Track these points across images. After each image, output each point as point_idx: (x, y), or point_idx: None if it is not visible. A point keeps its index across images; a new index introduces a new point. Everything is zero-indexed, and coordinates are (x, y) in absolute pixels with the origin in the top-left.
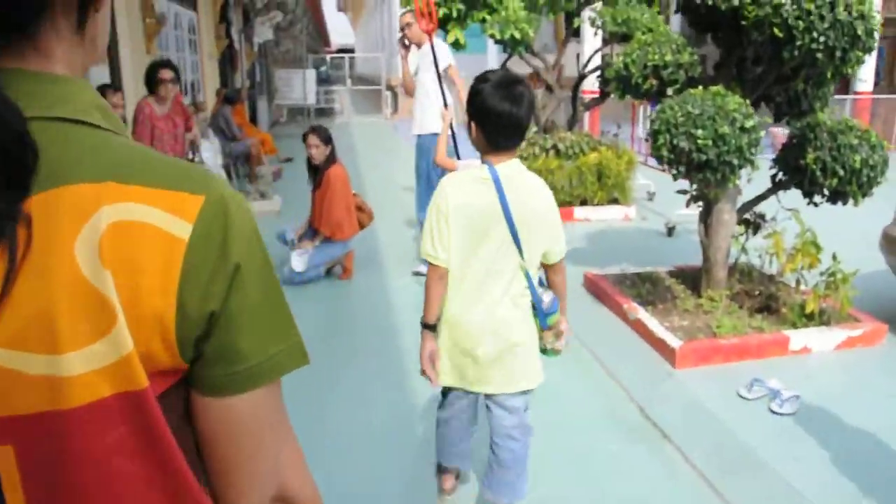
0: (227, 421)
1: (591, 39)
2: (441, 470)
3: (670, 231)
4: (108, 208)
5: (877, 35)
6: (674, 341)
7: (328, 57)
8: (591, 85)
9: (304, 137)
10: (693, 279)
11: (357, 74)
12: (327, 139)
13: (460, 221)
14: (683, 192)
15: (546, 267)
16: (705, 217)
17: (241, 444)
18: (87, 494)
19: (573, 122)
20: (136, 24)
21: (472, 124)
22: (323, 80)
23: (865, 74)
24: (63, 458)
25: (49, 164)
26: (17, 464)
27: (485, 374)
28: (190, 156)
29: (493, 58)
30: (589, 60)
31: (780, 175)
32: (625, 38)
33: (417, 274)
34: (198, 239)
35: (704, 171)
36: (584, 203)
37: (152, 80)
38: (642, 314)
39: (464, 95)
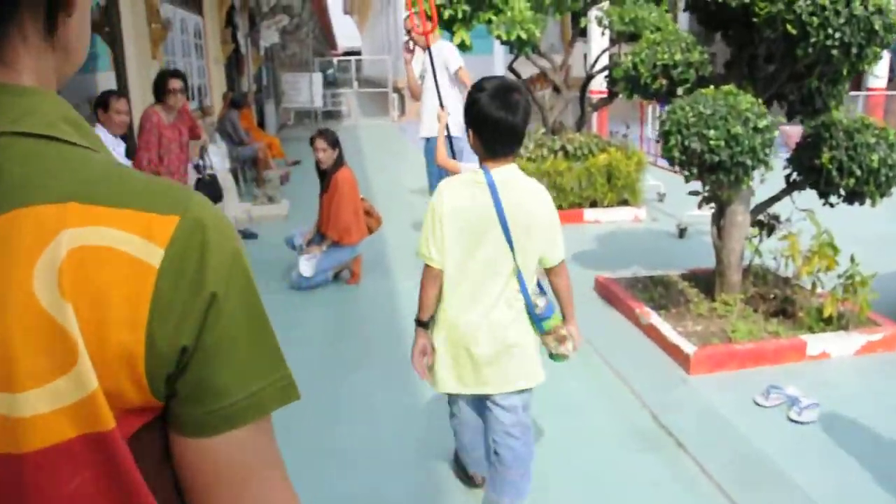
0: (206, 464)
1: (599, 39)
2: (469, 476)
3: (682, 233)
4: (70, 232)
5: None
6: (688, 347)
7: (335, 60)
8: (599, 85)
9: (312, 141)
10: (706, 282)
11: (364, 77)
12: (334, 143)
13: (456, 225)
14: (695, 193)
15: (546, 271)
16: (718, 219)
17: (222, 490)
18: None
19: (581, 122)
20: (142, 29)
21: (470, 131)
22: (330, 83)
23: (879, 70)
24: None
25: (9, 183)
26: None
27: (482, 375)
28: (199, 161)
29: (499, 59)
30: (596, 60)
31: (795, 175)
32: (632, 37)
33: None
34: (170, 265)
35: (717, 172)
36: (593, 205)
37: (161, 89)
38: (655, 319)
39: None
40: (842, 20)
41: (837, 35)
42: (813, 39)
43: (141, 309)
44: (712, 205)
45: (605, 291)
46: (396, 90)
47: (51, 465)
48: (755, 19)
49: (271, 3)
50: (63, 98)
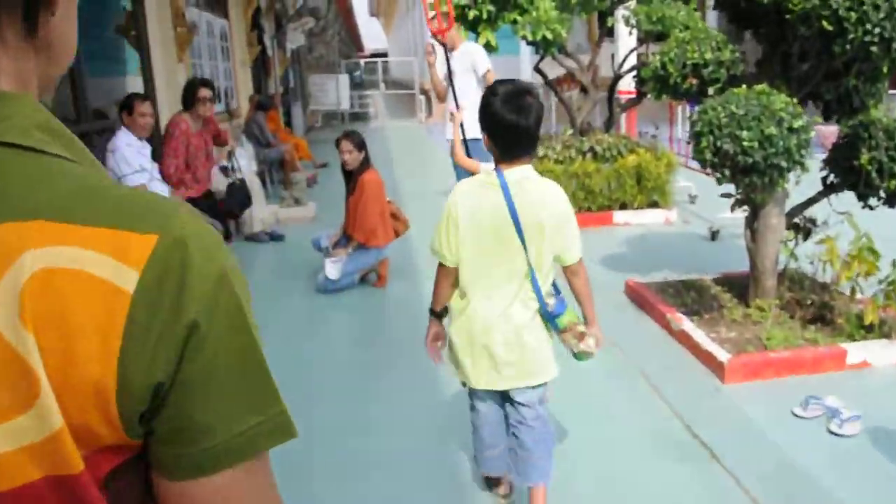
0: None
1: (626, 39)
2: (490, 482)
3: (714, 235)
4: (34, 253)
5: None
6: (722, 354)
7: (362, 62)
8: (628, 85)
9: (338, 143)
10: (740, 287)
11: (391, 79)
12: (361, 145)
13: (470, 225)
14: (728, 195)
15: (563, 270)
16: (752, 222)
17: None
18: None
19: (610, 123)
20: (168, 33)
21: (485, 134)
22: (357, 85)
23: None
24: None
25: None
26: None
27: (500, 373)
28: (226, 163)
29: (526, 60)
30: (624, 60)
31: (832, 177)
32: (660, 36)
33: None
34: (145, 290)
35: (751, 174)
36: (623, 207)
37: (190, 98)
38: (687, 325)
39: None
40: (881, 14)
41: (877, 30)
42: (850, 35)
43: (112, 340)
44: (745, 207)
45: (636, 296)
46: (423, 92)
47: None
48: (788, 16)
49: (297, 5)
50: (41, 104)
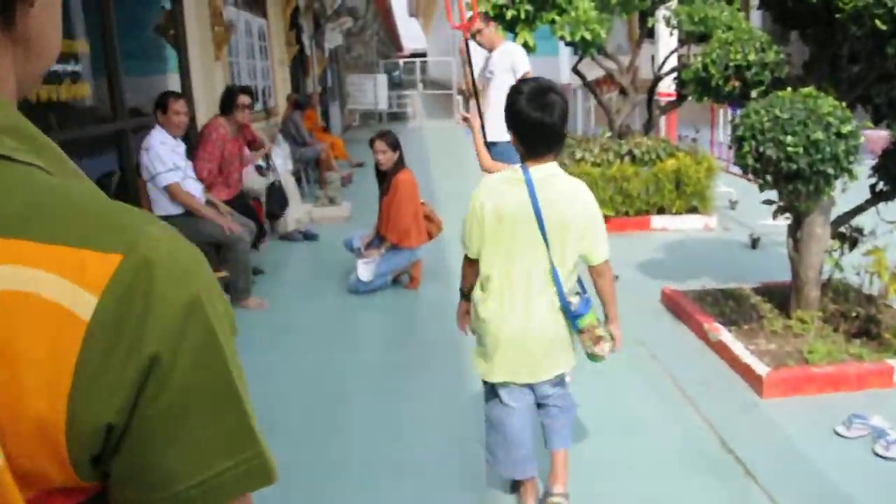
0: None
1: (667, 39)
2: (516, 487)
3: (755, 243)
4: None
5: None
6: (760, 368)
7: (401, 61)
8: (668, 87)
9: (372, 143)
10: (781, 297)
11: (429, 79)
12: (395, 145)
13: (492, 220)
14: (770, 202)
15: (589, 270)
16: (795, 230)
17: None
18: None
19: (649, 126)
20: (206, 32)
21: (510, 132)
22: (396, 85)
23: None
24: None
25: None
26: None
27: (527, 367)
28: (262, 163)
29: (565, 61)
30: (664, 62)
31: (881, 185)
32: (702, 37)
33: None
34: (103, 318)
35: (795, 181)
36: (661, 212)
37: (229, 104)
38: (725, 335)
39: None
40: None
41: None
42: None
43: (63, 373)
44: (788, 215)
45: (673, 304)
46: (461, 92)
47: None
48: (838, 15)
49: (335, 5)
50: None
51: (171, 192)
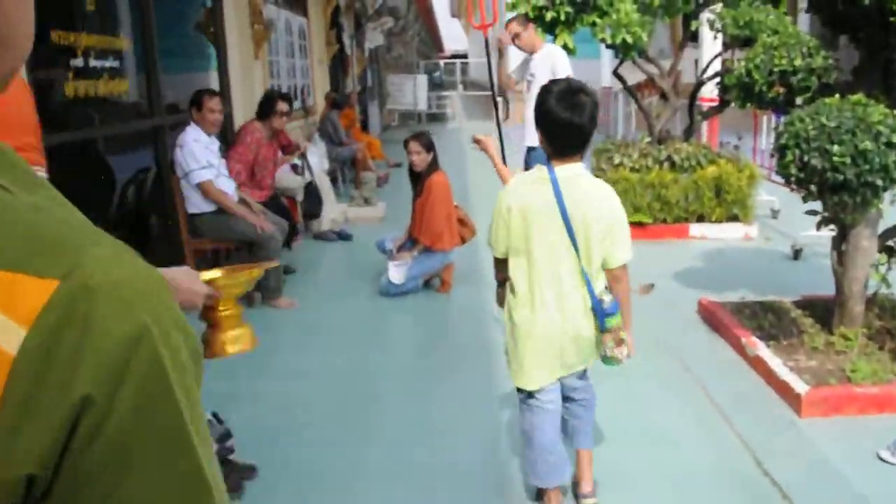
0: None
1: (710, 44)
2: (539, 495)
3: (797, 254)
4: None
5: None
6: (799, 385)
7: (442, 62)
8: (710, 92)
9: (406, 144)
10: (823, 312)
11: (470, 80)
12: (429, 146)
13: (519, 219)
14: (813, 213)
15: (606, 272)
16: (839, 242)
17: None
18: None
19: (690, 132)
20: (245, 30)
21: (539, 131)
22: (437, 86)
23: None
24: None
25: None
26: None
27: (563, 363)
28: (297, 161)
29: (606, 64)
30: (707, 66)
31: None
32: (747, 41)
33: None
34: (31, 353)
35: (841, 192)
36: (700, 219)
37: (268, 110)
38: (763, 351)
39: None
40: None
41: None
42: None
43: None
44: (833, 226)
45: (709, 316)
46: (501, 94)
47: None
48: (893, 18)
49: (377, 4)
50: None
51: (204, 190)
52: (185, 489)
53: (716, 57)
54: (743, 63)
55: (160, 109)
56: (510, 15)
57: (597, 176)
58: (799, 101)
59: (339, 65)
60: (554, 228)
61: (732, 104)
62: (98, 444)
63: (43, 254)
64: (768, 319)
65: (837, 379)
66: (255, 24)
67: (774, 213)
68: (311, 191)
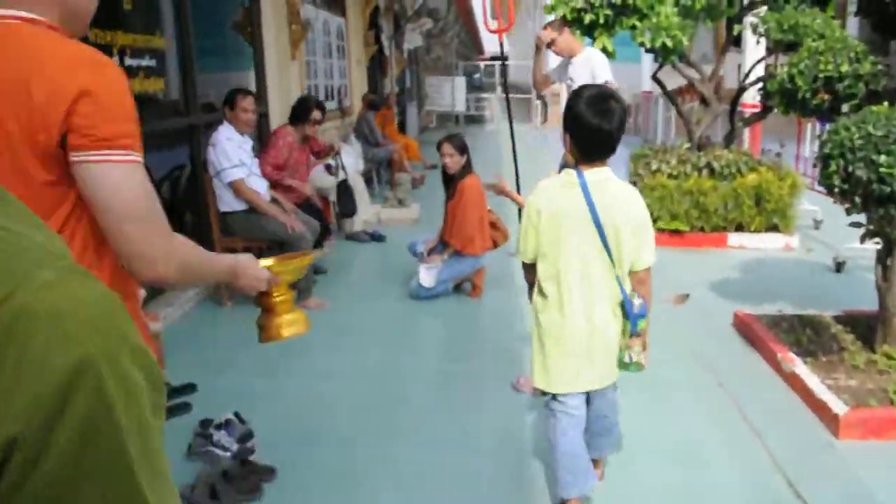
0: None
1: (754, 48)
2: None
3: (839, 267)
4: None
5: None
6: (837, 405)
7: (482, 65)
8: (752, 98)
9: (439, 146)
10: (865, 329)
11: (510, 82)
12: (462, 148)
13: (549, 223)
14: (857, 225)
15: (631, 275)
16: (885, 257)
17: None
18: None
19: (730, 138)
20: (282, 30)
21: (567, 136)
22: (476, 88)
23: None
24: None
25: None
26: None
27: (590, 374)
28: (331, 161)
29: (647, 68)
30: (750, 71)
31: None
32: (791, 46)
33: None
34: None
35: (887, 205)
36: (739, 228)
37: (302, 115)
38: (800, 367)
39: None
40: None
41: None
42: None
43: None
44: (878, 240)
45: (745, 329)
46: (540, 97)
47: None
48: None
49: (416, 6)
50: None
51: (236, 189)
52: None
53: (759, 62)
54: (786, 68)
55: (195, 108)
56: (549, 18)
57: (633, 182)
58: (845, 108)
59: (377, 66)
60: (585, 232)
61: (775, 110)
62: (31, 485)
63: None
64: (807, 334)
65: (878, 400)
66: (292, 24)
67: (817, 224)
68: (345, 190)
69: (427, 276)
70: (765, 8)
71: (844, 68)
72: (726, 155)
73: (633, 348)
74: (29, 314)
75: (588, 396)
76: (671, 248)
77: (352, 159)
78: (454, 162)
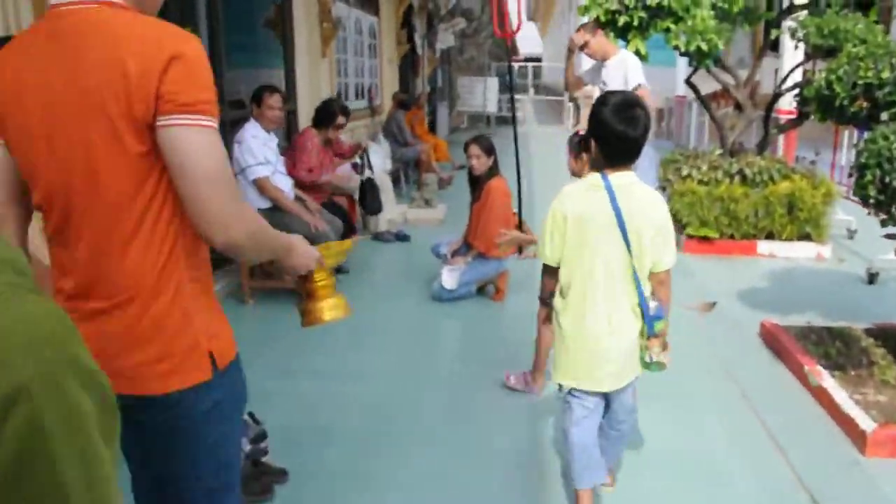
0: None
1: (791, 53)
2: (578, 499)
3: (872, 278)
4: None
5: None
6: (865, 422)
7: (516, 65)
8: (788, 104)
9: (466, 147)
10: None
11: (543, 84)
12: (489, 150)
13: (574, 226)
14: (893, 236)
15: (651, 276)
16: None
17: None
18: None
19: (764, 145)
20: (314, 28)
21: (592, 141)
22: (508, 89)
23: None
24: None
25: None
26: None
27: (611, 373)
28: (357, 160)
29: (682, 72)
30: (787, 76)
31: None
32: (831, 51)
33: None
34: None
35: None
36: (769, 237)
37: (327, 120)
38: (827, 381)
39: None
40: None
41: None
42: None
43: None
44: None
45: (771, 339)
46: (572, 99)
47: None
48: None
49: (450, 5)
50: None
51: (260, 186)
52: None
53: (796, 67)
54: (824, 74)
55: (223, 104)
56: (583, 19)
57: (662, 187)
58: (884, 116)
59: (409, 65)
60: (610, 235)
61: (811, 118)
62: None
63: None
64: (836, 347)
65: None
66: (323, 22)
67: (851, 234)
68: (371, 188)
69: (450, 277)
70: (805, 12)
71: (885, 75)
72: (759, 162)
73: (653, 348)
74: None
75: (607, 400)
76: (699, 255)
77: (379, 158)
78: (481, 163)
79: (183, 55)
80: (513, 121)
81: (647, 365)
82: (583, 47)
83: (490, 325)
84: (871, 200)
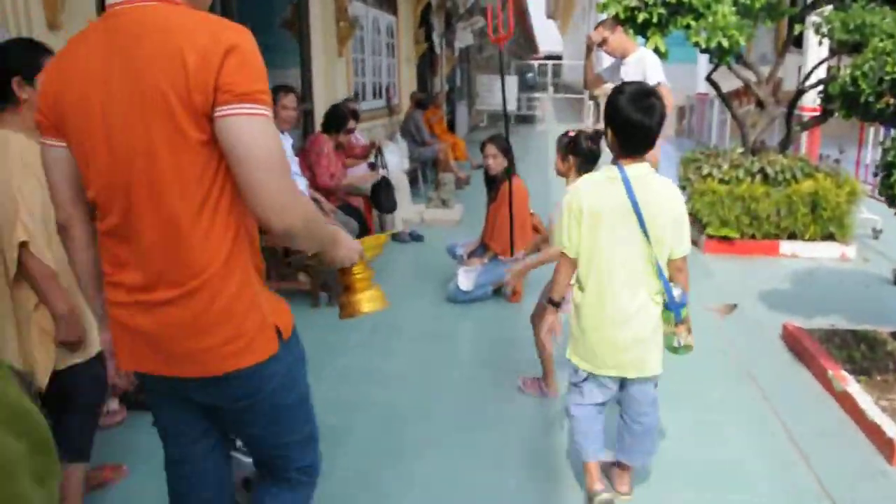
0: None
1: (815, 49)
2: (585, 471)
3: None
4: None
5: None
6: (892, 429)
7: (536, 63)
8: (812, 101)
9: (482, 147)
10: None
11: (562, 82)
12: (506, 149)
13: (591, 218)
14: None
15: (669, 263)
16: None
17: None
18: None
19: (787, 143)
20: (330, 27)
21: (608, 130)
22: (528, 87)
23: None
24: None
25: None
26: None
27: (622, 360)
28: (373, 159)
29: (703, 69)
30: (811, 73)
31: None
32: (856, 47)
33: None
34: None
35: None
36: (792, 237)
37: (339, 125)
38: (852, 386)
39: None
40: None
41: None
42: None
43: None
44: None
45: (794, 342)
46: (592, 97)
47: None
48: None
49: (468, 4)
50: None
51: None
52: None
53: (820, 63)
54: (849, 70)
55: None
56: (602, 16)
57: (682, 187)
58: None
59: (427, 64)
60: (628, 225)
61: (836, 115)
62: None
63: None
64: (861, 351)
65: None
66: (340, 21)
67: (876, 234)
68: (386, 186)
69: (465, 279)
70: (829, 7)
71: None
72: (781, 160)
73: (680, 335)
74: None
75: (628, 389)
76: (720, 256)
77: (396, 157)
78: (497, 163)
79: (238, 47)
80: (505, 123)
81: (675, 349)
82: (601, 44)
83: (506, 326)
84: None
